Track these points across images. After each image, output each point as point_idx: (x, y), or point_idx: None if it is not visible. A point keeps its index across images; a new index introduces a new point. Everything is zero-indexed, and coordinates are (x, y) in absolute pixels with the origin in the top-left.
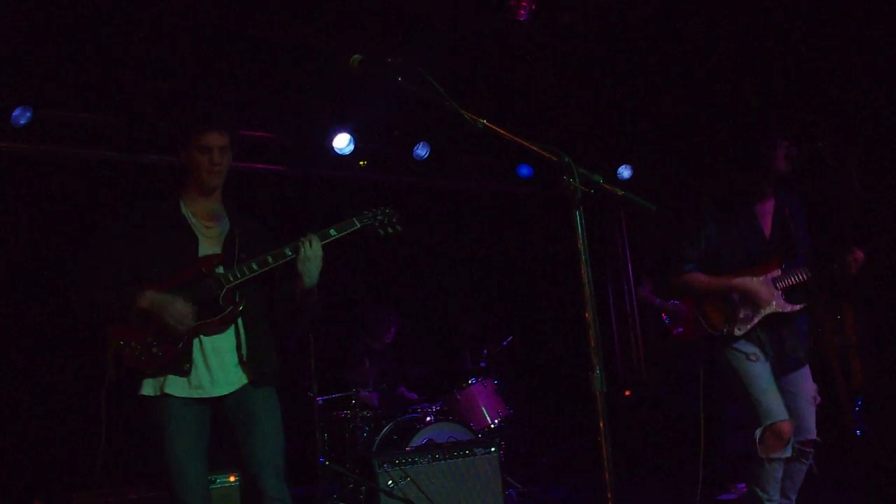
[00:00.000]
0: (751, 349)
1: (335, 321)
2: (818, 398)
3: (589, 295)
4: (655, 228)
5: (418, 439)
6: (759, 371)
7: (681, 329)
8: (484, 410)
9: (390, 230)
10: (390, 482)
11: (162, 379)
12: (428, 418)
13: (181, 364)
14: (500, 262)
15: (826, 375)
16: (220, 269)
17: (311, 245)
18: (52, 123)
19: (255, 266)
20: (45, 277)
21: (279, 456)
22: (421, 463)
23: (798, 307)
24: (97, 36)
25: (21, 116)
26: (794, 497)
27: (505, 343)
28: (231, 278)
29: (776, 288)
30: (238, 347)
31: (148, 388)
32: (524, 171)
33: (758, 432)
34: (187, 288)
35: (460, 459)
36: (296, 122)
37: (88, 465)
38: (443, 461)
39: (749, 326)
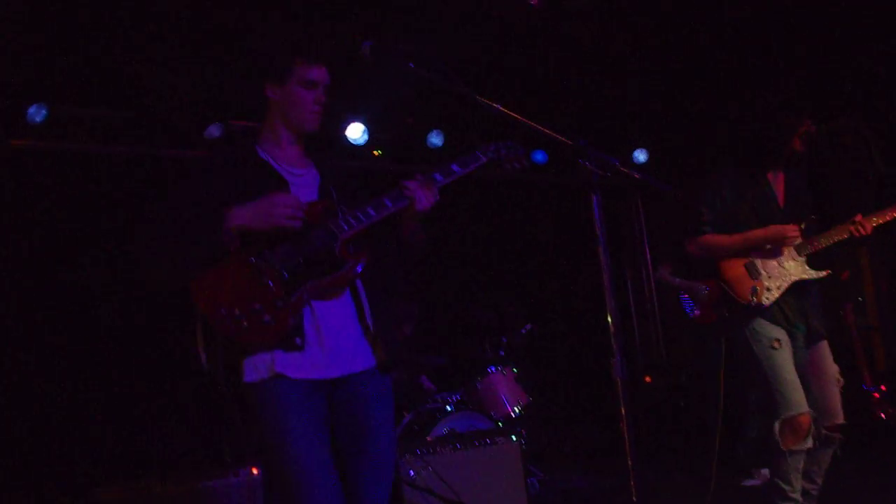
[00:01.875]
0: (773, 333)
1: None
2: (841, 380)
3: (607, 280)
4: (673, 209)
5: (439, 429)
6: (782, 360)
7: (698, 312)
8: (504, 399)
9: (517, 164)
10: (412, 472)
11: (269, 357)
12: (448, 408)
13: (292, 337)
14: (517, 249)
15: (849, 358)
16: (325, 217)
17: (423, 190)
18: (68, 120)
19: (371, 211)
20: (60, 273)
21: (388, 494)
22: (442, 452)
23: (823, 273)
24: (111, 32)
25: (37, 114)
26: (819, 481)
27: (524, 331)
28: (346, 227)
29: (798, 255)
30: (360, 317)
31: (252, 371)
32: (539, 156)
33: (776, 424)
34: (292, 239)
35: (481, 448)
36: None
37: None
38: (464, 450)
39: (777, 294)
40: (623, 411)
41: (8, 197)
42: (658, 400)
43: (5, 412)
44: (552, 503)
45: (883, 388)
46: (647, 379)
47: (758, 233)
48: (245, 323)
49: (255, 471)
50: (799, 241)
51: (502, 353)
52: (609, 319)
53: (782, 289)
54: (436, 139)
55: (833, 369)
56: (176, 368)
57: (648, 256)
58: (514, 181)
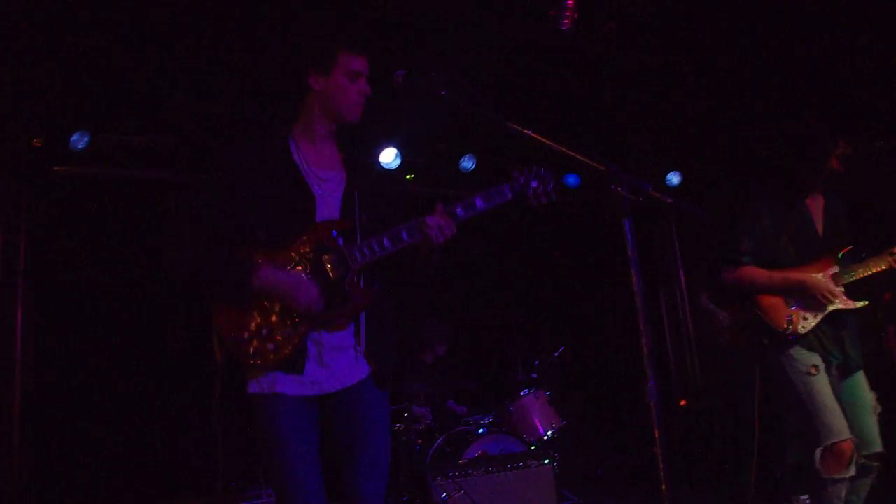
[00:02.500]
0: (810, 360)
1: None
2: (878, 407)
3: (640, 304)
4: (708, 235)
5: (471, 452)
6: (819, 386)
7: (727, 336)
8: (537, 422)
9: (544, 199)
10: (444, 494)
11: (272, 376)
12: (480, 430)
13: (295, 362)
14: (551, 272)
15: (891, 381)
16: (342, 242)
17: (441, 227)
18: (110, 147)
19: (386, 243)
20: (106, 299)
21: (384, 486)
22: (475, 475)
23: (861, 304)
24: (151, 60)
25: (79, 141)
26: None
27: (557, 353)
28: (359, 257)
29: (836, 285)
30: (357, 339)
31: (255, 384)
32: (571, 180)
33: (818, 452)
34: (305, 264)
35: (514, 472)
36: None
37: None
38: (496, 473)
39: (814, 323)
40: (657, 435)
41: (52, 222)
42: (693, 424)
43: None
44: None
45: None
46: (683, 402)
47: (793, 279)
48: (250, 349)
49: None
50: (835, 270)
51: (535, 376)
52: (642, 342)
53: (819, 318)
54: (468, 163)
55: (870, 397)
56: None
57: (683, 280)
58: (546, 204)
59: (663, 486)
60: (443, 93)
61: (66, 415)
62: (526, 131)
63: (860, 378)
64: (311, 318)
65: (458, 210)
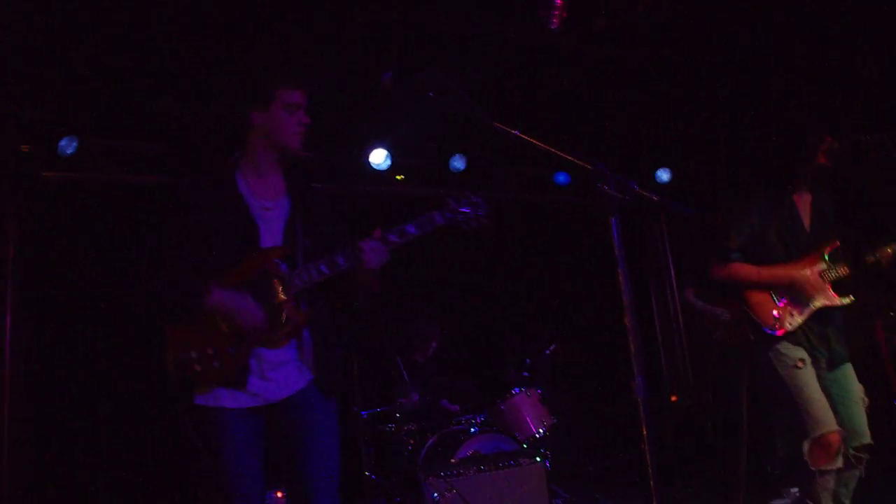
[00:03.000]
0: (797, 354)
1: (375, 333)
2: (866, 399)
3: (627, 301)
4: (697, 231)
5: (463, 451)
6: (806, 378)
7: (720, 332)
8: (528, 420)
9: (475, 224)
10: (436, 494)
11: (216, 391)
12: (472, 429)
13: (238, 379)
14: (541, 271)
15: (879, 373)
16: (284, 267)
17: (374, 252)
18: (98, 151)
19: (323, 269)
20: (92, 302)
21: (336, 478)
22: (466, 474)
23: (847, 300)
24: (140, 65)
25: (68, 146)
26: (847, 503)
27: (548, 352)
28: (298, 282)
29: (823, 281)
30: (299, 352)
31: (200, 396)
32: (562, 178)
33: (805, 444)
34: (250, 287)
35: (506, 470)
36: (332, 139)
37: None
38: (488, 472)
39: (801, 320)
40: (644, 431)
41: (40, 228)
42: (684, 419)
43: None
44: None
45: None
46: (673, 398)
47: (780, 275)
48: (197, 367)
49: (279, 494)
50: (822, 267)
51: (527, 375)
52: (630, 339)
53: (805, 315)
54: (458, 163)
55: (858, 389)
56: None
57: (673, 276)
58: (536, 203)
59: (651, 483)
60: (430, 94)
61: (55, 419)
62: (513, 131)
63: (848, 370)
64: (254, 339)
65: (391, 237)
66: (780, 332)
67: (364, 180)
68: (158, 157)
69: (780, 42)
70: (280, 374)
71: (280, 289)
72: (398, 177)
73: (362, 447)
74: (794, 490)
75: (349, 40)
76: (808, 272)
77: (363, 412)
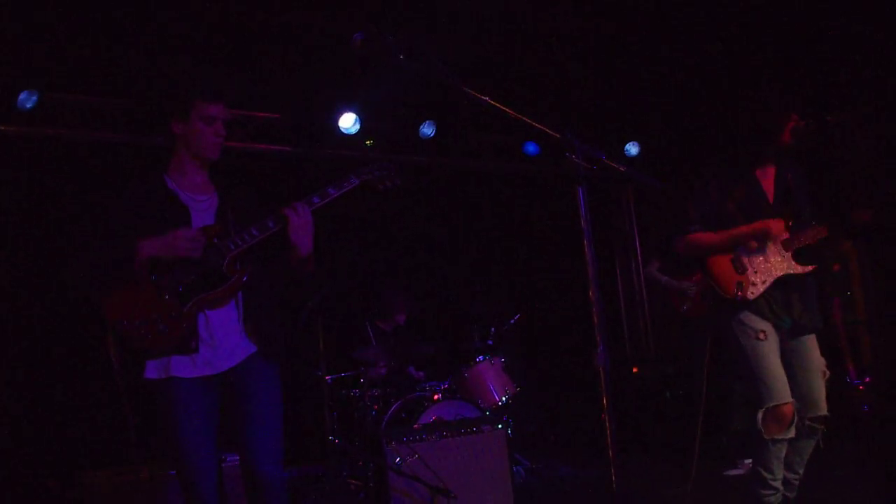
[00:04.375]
0: (760, 325)
1: (342, 300)
2: (827, 372)
3: (592, 272)
4: (662, 205)
5: (426, 417)
6: (767, 350)
7: (686, 307)
8: (492, 388)
9: (388, 184)
10: (398, 459)
11: (167, 360)
12: (436, 396)
13: (188, 341)
14: (508, 240)
15: (835, 351)
16: (217, 239)
17: (297, 212)
18: (58, 106)
19: (255, 232)
20: (47, 261)
21: (279, 440)
22: (429, 440)
23: (809, 268)
24: (101, 18)
25: (27, 100)
26: (800, 471)
27: (512, 321)
28: (232, 246)
29: (786, 251)
30: (240, 318)
31: (152, 370)
32: (531, 148)
33: (760, 413)
34: (188, 260)
35: (468, 436)
36: (301, 102)
37: (100, 445)
38: (451, 438)
39: (762, 289)
40: (605, 401)
41: None
42: (645, 391)
43: None
44: (537, 491)
45: (867, 380)
46: (635, 370)
47: (743, 229)
48: (143, 331)
49: (239, 457)
50: (786, 236)
51: (491, 343)
52: (593, 311)
53: (767, 283)
54: (427, 129)
55: (819, 362)
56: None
57: (639, 249)
58: (504, 173)
59: (610, 452)
60: (401, 57)
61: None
62: (484, 98)
63: (812, 342)
64: (192, 293)
65: (315, 198)
66: (741, 300)
67: (333, 144)
68: (122, 113)
69: (750, 18)
70: (227, 340)
71: (217, 254)
72: (367, 142)
73: (326, 412)
74: (748, 461)
75: (320, 4)
76: (768, 223)
77: (328, 377)
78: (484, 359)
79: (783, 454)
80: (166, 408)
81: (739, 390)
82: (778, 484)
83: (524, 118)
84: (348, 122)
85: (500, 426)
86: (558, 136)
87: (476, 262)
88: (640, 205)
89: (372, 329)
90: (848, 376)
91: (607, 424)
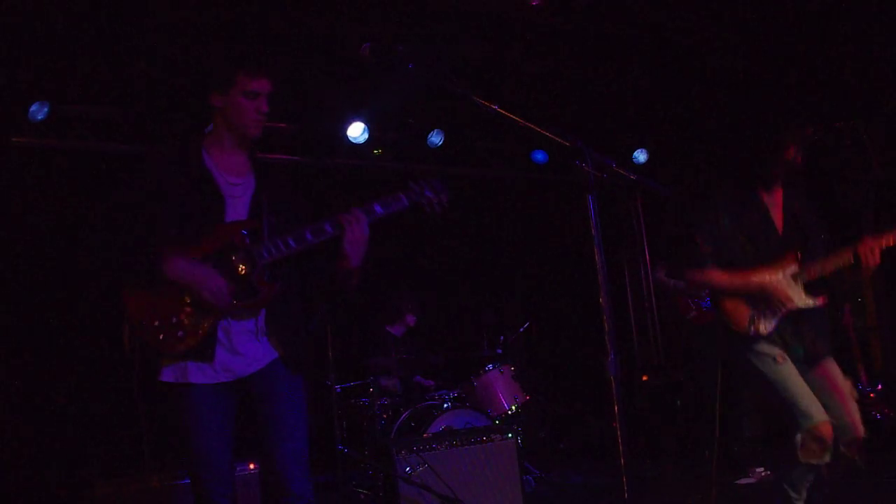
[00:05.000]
0: (775, 350)
1: (352, 308)
2: (855, 393)
3: (602, 280)
4: (670, 212)
5: (436, 426)
6: (788, 372)
7: (695, 313)
8: (501, 397)
9: (437, 209)
10: (408, 468)
11: (183, 365)
12: (445, 405)
13: (204, 350)
14: (516, 248)
15: (846, 358)
16: (249, 241)
17: (358, 224)
18: (69, 118)
19: (291, 242)
20: (60, 270)
21: (305, 450)
22: (438, 449)
23: (820, 301)
24: (112, 30)
25: (38, 111)
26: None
27: (522, 329)
28: (266, 255)
29: (795, 283)
30: (264, 325)
31: (168, 373)
32: (539, 156)
33: (798, 437)
34: (215, 260)
35: (478, 446)
36: (310, 112)
37: (110, 454)
38: (460, 447)
39: (774, 323)
40: (616, 409)
41: (9, 194)
42: (655, 398)
43: (5, 410)
44: (547, 500)
45: (879, 387)
46: (645, 378)
47: (759, 280)
48: (161, 335)
49: (252, 466)
50: (795, 269)
51: (500, 351)
52: (604, 318)
53: (779, 318)
54: (436, 138)
55: (847, 385)
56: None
57: (647, 257)
58: (513, 180)
59: (621, 460)
60: (410, 66)
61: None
62: (493, 106)
63: (833, 366)
64: (217, 311)
65: (377, 207)
66: (754, 334)
67: (341, 154)
68: (133, 124)
69: (760, 27)
70: (249, 347)
71: (247, 262)
72: (376, 151)
73: (336, 421)
74: (760, 469)
75: (328, 13)
76: (781, 276)
77: (337, 386)
78: (493, 367)
79: (812, 476)
80: (181, 413)
81: (749, 398)
82: (801, 502)
83: (533, 126)
84: (357, 131)
85: (509, 435)
86: (568, 143)
87: (485, 270)
88: (649, 212)
89: (382, 336)
90: (859, 383)
91: (618, 432)
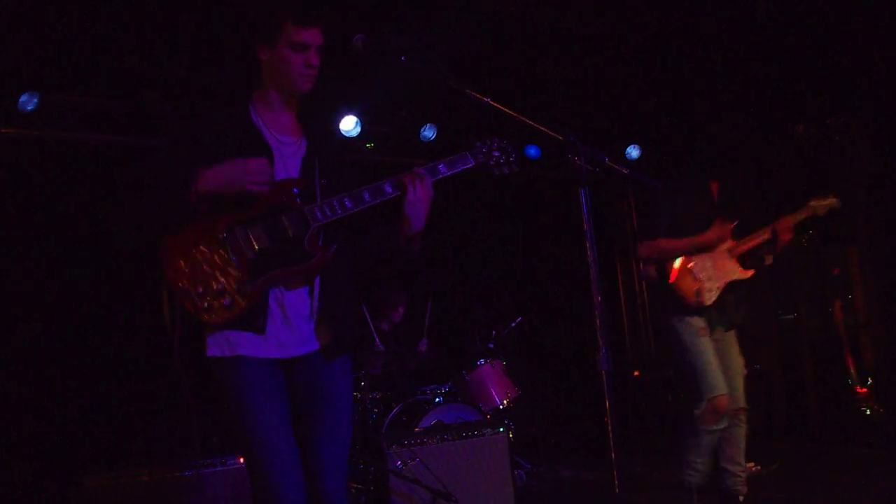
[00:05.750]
0: (701, 322)
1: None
2: (744, 370)
3: (595, 275)
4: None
5: (427, 420)
6: (706, 345)
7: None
8: (493, 391)
9: (506, 170)
10: (399, 463)
11: (232, 335)
12: (437, 399)
13: (255, 319)
14: (509, 242)
15: (836, 354)
16: (300, 201)
17: (421, 183)
18: (59, 109)
19: (347, 203)
20: (49, 262)
21: (346, 454)
22: (429, 444)
23: (750, 272)
24: (103, 21)
25: (28, 102)
26: (743, 462)
27: (514, 324)
28: (320, 216)
29: (731, 256)
30: (316, 303)
31: (214, 346)
32: (532, 151)
33: (699, 405)
34: (263, 221)
35: (469, 440)
36: (303, 107)
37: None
38: (451, 442)
39: (717, 294)
40: (607, 404)
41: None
42: (646, 394)
43: None
44: (539, 495)
45: (869, 383)
46: (636, 373)
47: (701, 238)
48: (205, 303)
49: (242, 459)
50: (731, 243)
51: (492, 346)
52: (595, 313)
53: (721, 288)
54: (428, 132)
55: (740, 360)
56: (164, 359)
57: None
58: (506, 175)
59: (612, 454)
60: (402, 58)
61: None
62: (485, 99)
63: (733, 340)
64: (265, 266)
65: (441, 166)
66: (699, 305)
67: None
68: (124, 115)
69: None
70: (302, 323)
71: (299, 223)
72: (368, 144)
73: None
74: (750, 464)
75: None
76: (723, 229)
77: None
78: (485, 362)
79: (713, 445)
80: (235, 389)
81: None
82: (702, 467)
83: (526, 120)
84: (349, 124)
85: (501, 429)
86: (561, 137)
87: (477, 264)
88: (641, 207)
89: (372, 330)
90: (850, 379)
91: (610, 427)
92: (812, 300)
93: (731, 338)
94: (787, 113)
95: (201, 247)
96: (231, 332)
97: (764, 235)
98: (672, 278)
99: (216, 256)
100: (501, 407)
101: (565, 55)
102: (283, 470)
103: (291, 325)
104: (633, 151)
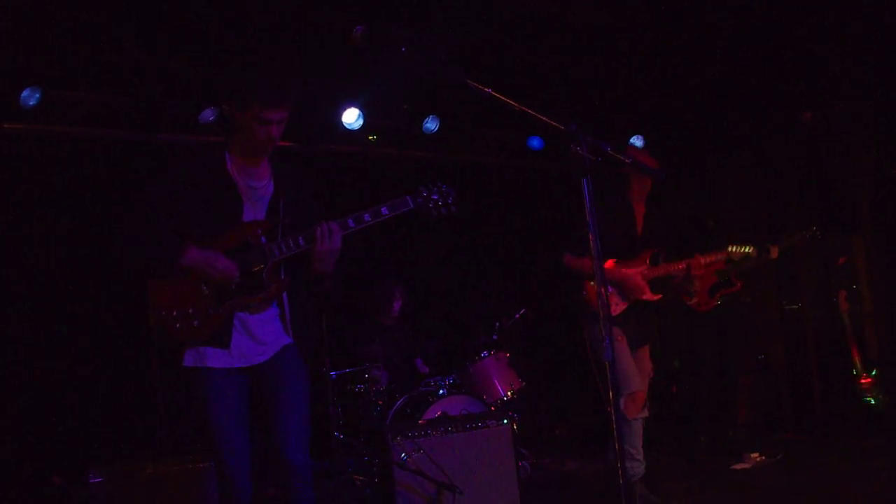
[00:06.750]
0: (618, 333)
1: (348, 296)
2: (652, 374)
3: (597, 265)
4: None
5: (431, 412)
6: (624, 349)
7: (695, 299)
8: (497, 383)
9: (444, 212)
10: (403, 455)
11: (202, 350)
12: (441, 391)
13: (220, 338)
14: (512, 234)
15: (841, 344)
16: (264, 240)
17: (329, 238)
18: (62, 104)
19: (301, 241)
20: (52, 258)
21: (307, 429)
22: (433, 435)
23: (657, 297)
24: (106, 15)
25: (30, 97)
26: (641, 449)
27: (517, 316)
28: (277, 252)
29: (643, 280)
30: (282, 316)
31: (189, 358)
32: (535, 142)
33: (622, 399)
34: (231, 257)
35: (473, 432)
36: (305, 98)
37: (104, 440)
38: (455, 434)
39: (621, 310)
40: (611, 395)
41: (1, 180)
42: (650, 385)
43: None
44: (543, 486)
45: (874, 373)
46: None
47: (618, 276)
48: (178, 324)
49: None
50: (644, 268)
51: (496, 338)
52: (599, 304)
53: (625, 306)
54: (431, 124)
55: (649, 366)
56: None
57: None
58: (509, 167)
59: (617, 445)
60: (402, 49)
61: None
62: (486, 90)
63: (646, 350)
64: (229, 294)
65: (350, 222)
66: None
67: (336, 140)
68: (126, 111)
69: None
70: (265, 333)
71: (260, 258)
72: (371, 137)
73: (331, 407)
74: (755, 455)
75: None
76: (632, 273)
77: (332, 373)
78: (489, 354)
79: (641, 431)
80: (201, 396)
81: (744, 384)
82: (641, 457)
83: (528, 110)
84: (351, 117)
85: (505, 421)
86: (563, 127)
87: (480, 256)
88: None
89: (373, 325)
90: (854, 369)
91: (613, 418)
92: (816, 290)
93: (643, 349)
94: (790, 102)
95: (178, 277)
96: (201, 347)
97: (679, 267)
98: (586, 285)
99: (191, 286)
100: (506, 398)
101: (565, 44)
102: (233, 460)
103: (255, 338)
104: (637, 142)
